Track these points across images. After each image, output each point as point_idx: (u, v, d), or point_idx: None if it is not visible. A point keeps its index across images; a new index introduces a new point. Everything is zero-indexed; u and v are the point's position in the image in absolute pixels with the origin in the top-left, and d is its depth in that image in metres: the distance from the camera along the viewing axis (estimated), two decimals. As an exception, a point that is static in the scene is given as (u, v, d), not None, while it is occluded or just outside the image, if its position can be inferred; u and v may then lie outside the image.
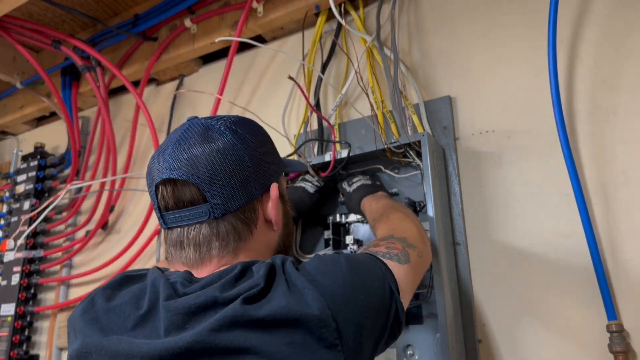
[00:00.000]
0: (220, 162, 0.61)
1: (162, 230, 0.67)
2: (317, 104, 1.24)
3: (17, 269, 1.62)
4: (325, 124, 1.21)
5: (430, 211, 0.92)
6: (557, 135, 0.91)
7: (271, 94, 1.39)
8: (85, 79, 1.62)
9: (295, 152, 1.14)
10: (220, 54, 1.51)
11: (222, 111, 1.44)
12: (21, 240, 1.61)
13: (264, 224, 0.66)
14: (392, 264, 0.66)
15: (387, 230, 0.80)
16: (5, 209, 1.83)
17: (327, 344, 0.52)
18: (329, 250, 1.06)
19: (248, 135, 0.66)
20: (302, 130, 1.24)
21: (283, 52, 1.37)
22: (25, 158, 1.80)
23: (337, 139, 1.15)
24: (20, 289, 1.59)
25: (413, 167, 1.04)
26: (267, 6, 1.30)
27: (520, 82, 1.03)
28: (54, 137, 1.87)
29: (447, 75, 1.12)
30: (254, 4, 1.29)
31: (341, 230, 1.10)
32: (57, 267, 1.66)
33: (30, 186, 1.71)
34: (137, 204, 1.58)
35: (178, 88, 1.60)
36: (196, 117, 0.67)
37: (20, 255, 1.62)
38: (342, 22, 1.04)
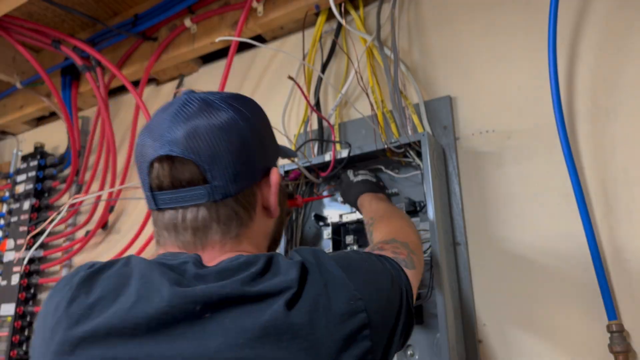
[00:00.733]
0: (223, 140, 0.56)
1: (151, 210, 0.60)
2: (317, 104, 1.24)
3: (17, 269, 1.62)
4: (325, 123, 1.21)
5: (430, 211, 0.92)
6: (557, 135, 0.91)
7: (271, 93, 1.39)
8: (85, 78, 1.62)
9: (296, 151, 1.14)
10: (220, 53, 1.51)
11: (222, 111, 1.44)
12: (21, 241, 1.61)
13: (262, 211, 0.62)
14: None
15: (389, 233, 0.78)
16: (5, 209, 1.82)
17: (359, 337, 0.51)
18: (329, 251, 1.06)
19: (250, 113, 0.61)
20: (302, 130, 1.24)
21: (283, 52, 1.37)
22: (25, 158, 1.80)
23: (337, 139, 1.15)
24: (20, 289, 1.59)
25: (413, 167, 1.04)
26: (267, 6, 1.30)
27: (520, 82, 1.03)
28: (54, 137, 1.87)
29: (447, 75, 1.12)
30: (254, 4, 1.29)
31: (341, 230, 1.10)
32: (57, 267, 1.66)
33: (30, 186, 1.71)
34: (137, 204, 1.57)
35: (178, 88, 1.60)
36: (193, 91, 0.61)
37: (20, 255, 1.62)
38: (342, 21, 1.04)
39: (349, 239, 1.05)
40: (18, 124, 1.95)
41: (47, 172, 1.75)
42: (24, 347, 1.58)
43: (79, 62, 1.51)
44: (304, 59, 1.28)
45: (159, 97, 1.65)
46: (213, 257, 0.56)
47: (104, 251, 1.60)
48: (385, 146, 1.00)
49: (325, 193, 1.16)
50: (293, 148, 1.21)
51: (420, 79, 1.15)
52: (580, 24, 0.99)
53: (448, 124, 1.07)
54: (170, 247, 0.58)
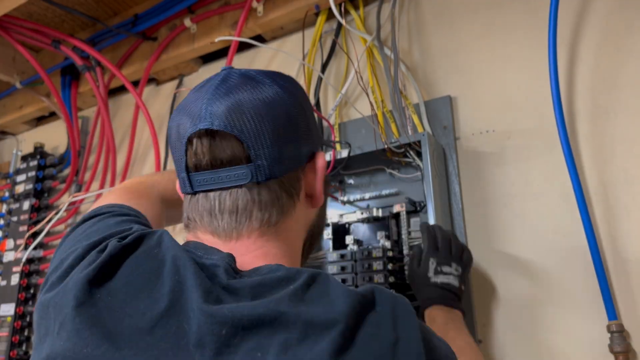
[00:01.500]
0: (270, 115, 0.51)
1: (184, 195, 0.54)
2: (317, 104, 1.24)
3: (17, 269, 1.62)
4: (325, 123, 1.21)
5: (430, 211, 0.92)
6: (558, 135, 0.91)
7: (271, 93, 1.39)
8: (85, 78, 1.62)
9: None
10: (220, 53, 1.51)
11: (222, 111, 1.44)
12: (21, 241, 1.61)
13: (305, 199, 0.56)
14: None
15: None
16: (4, 209, 1.82)
17: None
18: (329, 251, 1.06)
19: (295, 91, 0.55)
20: (302, 130, 1.24)
21: (283, 52, 1.37)
22: (24, 158, 1.80)
23: (337, 139, 1.15)
24: (20, 289, 1.59)
25: (413, 167, 1.04)
26: (267, 6, 1.30)
27: (520, 82, 1.03)
28: (54, 137, 1.87)
29: (447, 75, 1.12)
30: (254, 4, 1.29)
31: (341, 230, 1.10)
32: (57, 267, 1.66)
33: (30, 186, 1.71)
34: (137, 204, 1.57)
35: (178, 88, 1.60)
36: (232, 67, 0.56)
37: (18, 255, 1.62)
38: (342, 21, 1.04)
39: (349, 239, 1.05)
40: (18, 124, 1.95)
41: (46, 172, 1.75)
42: (24, 347, 1.58)
43: (78, 62, 1.51)
44: (303, 59, 1.28)
45: (159, 97, 1.65)
46: (248, 251, 0.50)
47: (103, 251, 1.60)
48: (385, 146, 1.00)
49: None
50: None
51: (420, 79, 1.15)
52: (580, 24, 0.99)
53: (448, 124, 1.07)
54: (201, 234, 0.53)
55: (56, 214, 1.59)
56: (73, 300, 0.44)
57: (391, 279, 0.94)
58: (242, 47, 1.43)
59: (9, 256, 1.66)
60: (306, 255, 0.61)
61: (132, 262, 0.47)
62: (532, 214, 0.96)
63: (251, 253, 0.51)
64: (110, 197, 0.69)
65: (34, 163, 1.75)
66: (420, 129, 1.07)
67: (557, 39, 0.93)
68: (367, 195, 1.10)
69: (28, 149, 1.88)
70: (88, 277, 0.45)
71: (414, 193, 1.04)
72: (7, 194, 1.80)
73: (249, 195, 0.51)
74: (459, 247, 0.83)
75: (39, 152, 1.78)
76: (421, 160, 0.98)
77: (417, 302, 0.80)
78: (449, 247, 0.81)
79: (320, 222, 0.61)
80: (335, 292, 0.43)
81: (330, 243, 1.07)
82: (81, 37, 1.63)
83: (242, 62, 1.46)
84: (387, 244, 0.99)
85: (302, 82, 1.26)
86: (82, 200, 1.62)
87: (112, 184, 1.57)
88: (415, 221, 1.02)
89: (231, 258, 0.48)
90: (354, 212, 1.08)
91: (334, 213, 1.11)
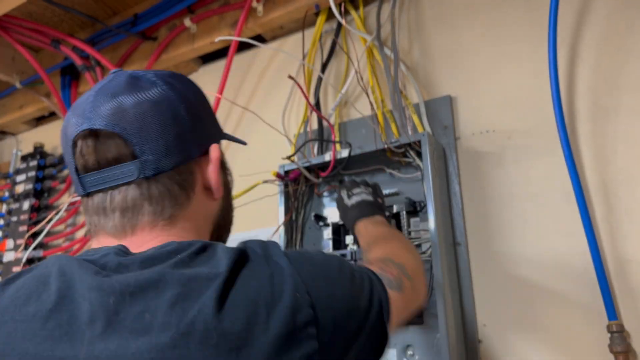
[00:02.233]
0: (153, 112, 0.52)
1: (81, 198, 0.55)
2: (317, 104, 1.24)
3: (17, 269, 1.62)
4: (325, 123, 1.21)
5: (430, 211, 0.92)
6: (558, 135, 0.91)
7: (271, 93, 1.39)
8: (85, 78, 1.62)
9: (296, 152, 1.14)
10: (220, 53, 1.51)
11: (222, 111, 1.44)
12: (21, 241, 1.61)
13: (203, 191, 0.57)
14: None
15: (384, 253, 0.71)
16: (4, 209, 1.82)
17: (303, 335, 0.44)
18: (329, 251, 1.06)
19: (183, 87, 0.57)
20: (302, 130, 1.24)
21: (283, 52, 1.37)
22: (24, 158, 1.80)
23: (337, 139, 1.15)
24: (19, 289, 1.59)
25: (413, 167, 1.04)
26: (267, 6, 1.30)
27: (520, 82, 1.02)
28: (54, 137, 1.87)
29: (447, 75, 1.12)
30: (254, 4, 1.29)
31: (341, 230, 1.10)
32: (57, 267, 1.66)
33: (30, 186, 1.71)
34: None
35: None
36: (121, 70, 0.57)
37: (18, 255, 1.62)
38: (342, 21, 1.04)
39: (349, 239, 1.05)
40: (18, 123, 1.95)
41: (46, 172, 1.75)
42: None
43: (78, 61, 1.50)
44: (303, 58, 1.28)
45: (159, 96, 1.65)
46: (143, 243, 0.51)
47: (103, 251, 1.60)
48: (385, 146, 1.00)
49: (325, 193, 1.16)
50: (293, 148, 1.21)
51: (420, 79, 1.15)
52: (580, 24, 0.99)
53: (448, 123, 1.07)
54: (101, 237, 0.53)
55: (56, 214, 1.59)
56: None
57: (391, 279, 0.94)
58: (242, 47, 1.43)
59: (9, 256, 1.66)
60: None
61: (17, 284, 0.47)
62: (532, 214, 0.96)
63: (147, 243, 0.51)
64: None
65: (33, 163, 1.75)
66: (420, 129, 1.07)
67: (557, 39, 0.93)
68: (367, 195, 1.09)
69: (28, 149, 1.88)
70: None
71: (414, 193, 1.04)
72: (7, 194, 1.80)
73: (138, 190, 0.51)
74: (364, 180, 0.99)
75: (38, 152, 1.78)
76: (421, 160, 0.98)
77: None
78: (354, 181, 0.98)
79: (225, 213, 0.61)
80: (220, 254, 0.47)
81: (330, 243, 1.07)
82: (81, 36, 1.63)
83: (242, 62, 1.46)
84: (387, 244, 0.99)
85: (302, 82, 1.26)
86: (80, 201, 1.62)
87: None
88: (415, 221, 1.02)
89: (121, 246, 0.50)
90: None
91: (334, 213, 1.11)
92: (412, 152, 1.01)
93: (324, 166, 1.09)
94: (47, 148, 1.84)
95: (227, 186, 0.62)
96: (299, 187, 1.14)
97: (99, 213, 0.52)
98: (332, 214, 1.11)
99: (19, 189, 1.74)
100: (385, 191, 1.07)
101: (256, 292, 0.44)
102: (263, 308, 0.43)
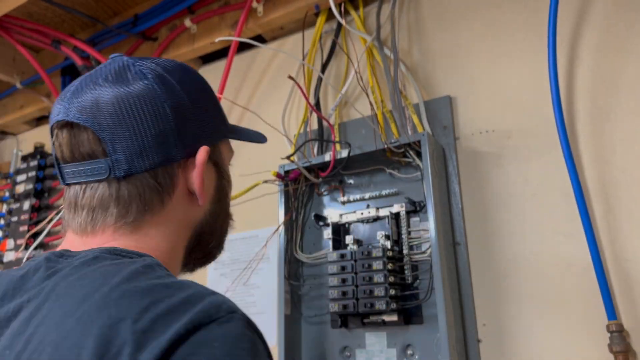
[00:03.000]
0: (131, 108, 0.49)
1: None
2: (317, 104, 1.24)
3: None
4: (325, 123, 1.21)
5: (430, 211, 0.92)
6: (557, 135, 0.91)
7: (271, 93, 1.39)
8: (85, 78, 1.62)
9: (296, 152, 1.14)
10: (220, 53, 1.51)
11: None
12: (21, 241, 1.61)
13: (186, 196, 0.53)
14: None
15: None
16: (5, 209, 1.82)
17: None
18: (329, 251, 1.06)
19: (178, 83, 0.53)
20: (302, 130, 1.24)
21: (283, 52, 1.37)
22: (25, 158, 1.80)
23: (337, 139, 1.15)
24: (20, 289, 1.59)
25: (413, 167, 1.04)
26: (267, 6, 1.30)
27: (520, 82, 1.03)
28: (54, 137, 1.87)
29: (447, 75, 1.12)
30: (254, 4, 1.29)
31: (341, 230, 1.10)
32: (57, 267, 1.66)
33: (30, 186, 1.71)
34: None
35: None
36: (121, 55, 0.55)
37: (19, 255, 1.62)
38: (342, 22, 1.05)
39: (349, 239, 1.05)
40: (18, 124, 1.95)
41: (47, 172, 1.75)
42: (24, 347, 1.58)
43: (79, 62, 1.51)
44: (303, 59, 1.28)
45: (159, 97, 1.65)
46: (99, 245, 0.49)
47: (104, 251, 1.60)
48: (385, 146, 1.00)
49: (325, 194, 1.16)
50: (293, 148, 1.21)
51: (420, 79, 1.15)
52: (580, 24, 1.00)
53: (448, 124, 1.07)
54: (69, 234, 0.52)
55: (57, 213, 1.60)
56: None
57: (391, 279, 0.94)
58: (242, 47, 1.43)
59: (9, 256, 1.66)
60: (197, 256, 0.58)
61: None
62: (532, 214, 0.96)
63: (101, 246, 0.49)
64: None
65: (34, 163, 1.75)
66: (420, 129, 1.07)
67: (557, 40, 0.93)
68: (367, 195, 1.10)
69: (28, 149, 1.88)
70: None
71: (414, 193, 1.04)
72: (7, 194, 1.80)
73: (108, 190, 0.49)
74: None
75: (39, 152, 1.78)
76: (421, 160, 0.98)
77: None
78: None
79: (213, 220, 0.57)
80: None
81: (330, 243, 1.07)
82: (81, 37, 1.63)
83: (242, 62, 1.46)
84: (387, 243, 0.99)
85: (302, 82, 1.26)
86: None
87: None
88: (415, 221, 1.02)
89: (65, 251, 0.48)
90: (354, 212, 1.08)
91: (334, 213, 1.11)
92: (411, 152, 1.01)
93: (324, 166, 1.09)
94: (48, 148, 1.84)
95: (221, 191, 0.58)
96: (299, 187, 1.14)
97: (70, 208, 0.51)
98: (332, 213, 1.11)
99: (20, 189, 1.74)
100: (385, 191, 1.07)
101: None
102: None
